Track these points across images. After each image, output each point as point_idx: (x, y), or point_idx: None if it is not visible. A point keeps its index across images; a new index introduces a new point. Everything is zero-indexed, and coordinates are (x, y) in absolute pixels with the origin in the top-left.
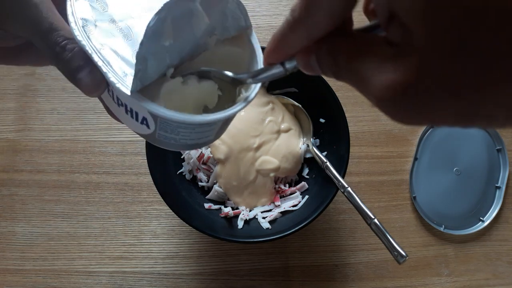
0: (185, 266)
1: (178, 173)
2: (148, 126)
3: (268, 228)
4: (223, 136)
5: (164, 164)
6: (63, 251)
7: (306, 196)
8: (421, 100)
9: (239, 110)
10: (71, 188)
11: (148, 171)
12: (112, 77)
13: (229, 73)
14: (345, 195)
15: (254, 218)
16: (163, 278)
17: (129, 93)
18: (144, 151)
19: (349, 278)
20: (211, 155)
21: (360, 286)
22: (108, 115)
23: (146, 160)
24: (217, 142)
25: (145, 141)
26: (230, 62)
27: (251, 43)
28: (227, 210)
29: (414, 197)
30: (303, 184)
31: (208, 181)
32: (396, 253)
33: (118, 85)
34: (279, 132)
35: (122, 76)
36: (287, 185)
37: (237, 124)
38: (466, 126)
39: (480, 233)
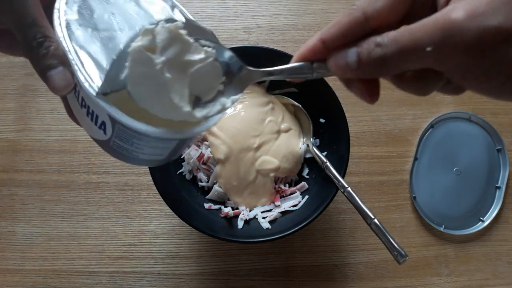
0: (185, 266)
1: (178, 173)
2: (105, 132)
3: (268, 228)
4: (223, 136)
5: (164, 164)
6: (63, 251)
7: (306, 196)
8: None
9: (200, 132)
10: (71, 188)
11: (148, 171)
12: (81, 76)
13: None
14: (345, 195)
15: (254, 218)
16: (163, 278)
17: (94, 94)
18: None
19: (349, 278)
20: (211, 155)
21: (360, 286)
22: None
23: None
24: (217, 142)
25: None
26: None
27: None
28: (227, 210)
29: (414, 197)
30: (303, 184)
31: (208, 181)
32: (396, 253)
33: (86, 84)
34: (279, 132)
35: (92, 78)
36: (287, 185)
37: (237, 124)
38: None
39: (480, 233)
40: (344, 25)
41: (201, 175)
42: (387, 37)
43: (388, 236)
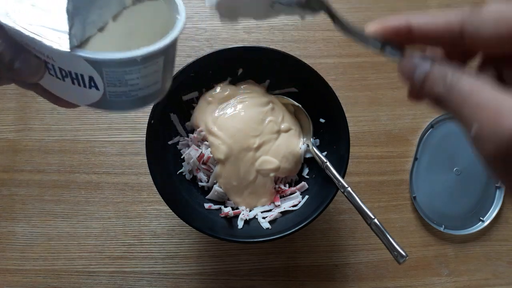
0: (185, 266)
1: (178, 173)
2: (97, 87)
3: (268, 228)
4: (223, 136)
5: (164, 164)
6: (63, 251)
7: (306, 196)
8: None
9: (179, 34)
10: (71, 188)
11: (148, 171)
12: (48, 42)
13: None
14: (345, 195)
15: (254, 218)
16: (163, 278)
17: (68, 50)
18: (144, 151)
19: (349, 278)
20: (211, 155)
21: (360, 286)
22: (73, 109)
23: (146, 160)
24: (217, 142)
25: (145, 141)
26: (153, 13)
27: None
28: (227, 210)
29: (414, 197)
30: (303, 184)
31: (208, 181)
32: (396, 253)
33: (56, 46)
34: (279, 132)
35: (57, 40)
36: (287, 185)
37: (237, 124)
38: None
39: (480, 233)
40: (437, 25)
41: (201, 175)
42: (461, 83)
43: (388, 236)
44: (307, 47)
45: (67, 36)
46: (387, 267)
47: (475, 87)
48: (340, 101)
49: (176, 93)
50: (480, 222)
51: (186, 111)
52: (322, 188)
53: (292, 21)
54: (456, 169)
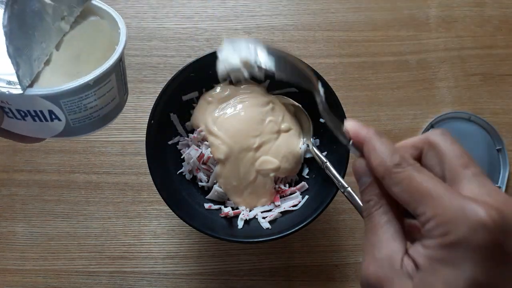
0: (185, 266)
1: (178, 173)
2: (59, 119)
3: (268, 228)
4: (223, 136)
5: (164, 164)
6: (63, 251)
7: (306, 196)
8: None
9: (123, 48)
10: (71, 188)
11: (148, 171)
12: (3, 89)
13: None
14: (345, 195)
15: (254, 218)
16: (163, 278)
17: (21, 92)
18: (144, 151)
19: (349, 278)
20: (211, 155)
21: (360, 286)
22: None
23: (146, 160)
24: (217, 142)
25: (145, 141)
26: (94, 33)
27: (101, 9)
28: (227, 210)
29: None
30: (303, 184)
31: (208, 181)
32: None
33: (9, 92)
34: (279, 132)
35: (7, 85)
36: (287, 185)
37: (237, 124)
38: None
39: None
40: (379, 159)
41: (201, 175)
42: (369, 219)
43: None
44: (307, 47)
45: (17, 79)
46: None
47: (374, 228)
48: (340, 101)
49: (176, 93)
50: None
51: (186, 111)
52: (322, 188)
53: (292, 21)
54: None
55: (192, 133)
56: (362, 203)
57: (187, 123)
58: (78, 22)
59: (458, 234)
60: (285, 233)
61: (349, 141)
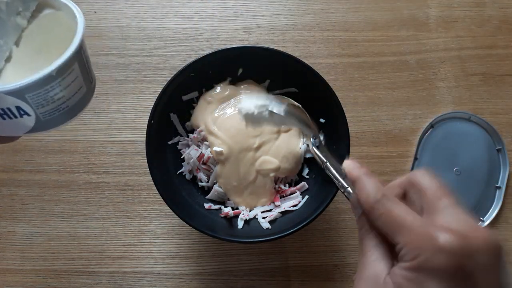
0: (185, 266)
1: (178, 173)
2: (28, 114)
3: (268, 228)
4: (223, 136)
5: (164, 164)
6: (63, 251)
7: (306, 196)
8: None
9: (82, 36)
10: (71, 188)
11: (148, 171)
12: None
13: None
14: (345, 195)
15: (254, 218)
16: (163, 278)
17: None
18: (144, 151)
19: (349, 278)
20: (211, 155)
21: None
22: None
23: (146, 160)
24: (217, 142)
25: (145, 141)
26: (52, 26)
27: (57, 0)
28: (227, 210)
29: None
30: (303, 184)
31: (208, 181)
32: None
33: None
34: (279, 132)
35: None
36: (287, 185)
37: (237, 124)
38: None
39: None
40: (367, 196)
41: (201, 175)
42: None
43: None
44: (307, 47)
45: None
46: None
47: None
48: (340, 101)
49: (176, 93)
50: (480, 222)
51: (186, 111)
52: (322, 188)
53: (292, 21)
54: (456, 169)
55: (192, 133)
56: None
57: (187, 123)
58: (35, 17)
59: (423, 258)
60: (285, 233)
61: (344, 187)
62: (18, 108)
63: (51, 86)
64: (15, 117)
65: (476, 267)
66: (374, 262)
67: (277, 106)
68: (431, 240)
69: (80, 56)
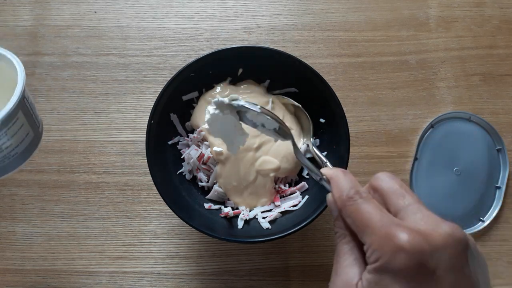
0: (185, 266)
1: (178, 173)
2: None
3: (268, 228)
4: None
5: (164, 164)
6: (63, 251)
7: (306, 196)
8: None
9: (23, 86)
10: (71, 188)
11: (148, 171)
12: None
13: None
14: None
15: (254, 218)
16: (163, 278)
17: None
18: (144, 151)
19: None
20: (211, 155)
21: None
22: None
23: (146, 160)
24: (216, 142)
25: (145, 141)
26: None
27: None
28: (227, 210)
29: None
30: (303, 184)
31: (208, 181)
32: None
33: None
34: None
35: None
36: (287, 185)
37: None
38: None
39: (480, 233)
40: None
41: (201, 175)
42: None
43: None
44: (307, 47)
45: None
46: None
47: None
48: (340, 101)
49: (176, 93)
50: (480, 222)
51: (186, 111)
52: (322, 188)
53: (292, 21)
54: (456, 169)
55: (192, 133)
56: None
57: (187, 123)
58: None
59: (384, 260)
60: (285, 233)
61: (321, 178)
62: None
63: (0, 137)
64: None
65: (438, 264)
66: (347, 268)
67: (252, 104)
68: (391, 240)
69: (23, 104)
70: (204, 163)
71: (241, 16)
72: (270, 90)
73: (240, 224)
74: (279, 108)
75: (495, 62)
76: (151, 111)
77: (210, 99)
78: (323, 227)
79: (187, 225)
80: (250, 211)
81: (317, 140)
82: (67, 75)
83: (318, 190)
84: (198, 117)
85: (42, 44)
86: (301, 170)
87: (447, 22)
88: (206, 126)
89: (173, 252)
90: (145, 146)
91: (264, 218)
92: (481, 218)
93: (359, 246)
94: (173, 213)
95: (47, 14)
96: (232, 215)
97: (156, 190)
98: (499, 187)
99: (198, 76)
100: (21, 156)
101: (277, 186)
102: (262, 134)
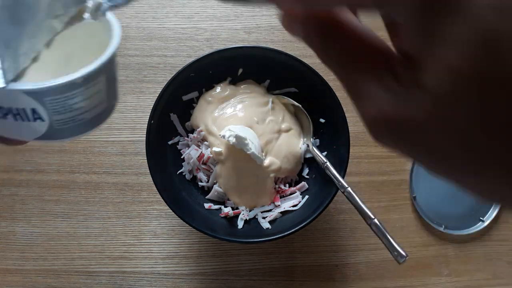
0: (185, 266)
1: (178, 173)
2: (42, 118)
3: (268, 228)
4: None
5: (164, 164)
6: (63, 251)
7: (306, 196)
8: (418, 142)
9: (115, 50)
10: (71, 188)
11: (148, 171)
12: None
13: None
14: (345, 195)
15: (254, 218)
16: (163, 278)
17: (4, 85)
18: (144, 151)
19: (349, 278)
20: (211, 155)
21: (360, 286)
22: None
23: (146, 160)
24: (216, 142)
25: (145, 141)
26: (87, 36)
27: (99, 13)
28: (227, 210)
29: (414, 197)
30: (303, 184)
31: (208, 181)
32: (396, 253)
33: None
34: (279, 131)
35: None
36: (287, 185)
37: (236, 124)
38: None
39: (480, 233)
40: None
41: (201, 175)
42: None
43: (388, 236)
44: (307, 47)
45: (0, 72)
46: (387, 267)
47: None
48: (340, 101)
49: (176, 93)
50: (480, 222)
51: (186, 111)
52: (322, 188)
53: None
54: None
55: (192, 133)
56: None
57: (187, 123)
58: (71, 23)
59: None
60: (285, 233)
61: None
62: (33, 110)
63: (73, 94)
64: (28, 119)
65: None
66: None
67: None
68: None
69: (109, 68)
70: (204, 163)
71: (241, 16)
72: (270, 90)
73: (240, 224)
74: (279, 108)
75: None
76: (151, 111)
77: (210, 99)
78: (323, 227)
79: (187, 225)
80: (250, 211)
81: (317, 140)
82: None
83: (318, 190)
84: (198, 117)
85: None
86: (301, 170)
87: None
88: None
89: (173, 252)
90: (145, 146)
91: (264, 218)
92: (481, 218)
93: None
94: (173, 213)
95: None
96: (232, 215)
97: (156, 190)
98: None
99: (198, 76)
100: (86, 123)
101: (277, 186)
102: (264, 134)
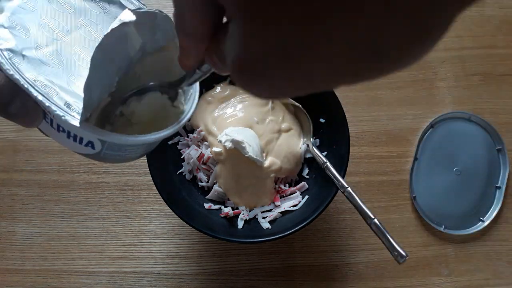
0: (185, 266)
1: (178, 173)
2: (93, 147)
3: (268, 228)
4: None
5: (164, 164)
6: (63, 251)
7: (306, 196)
8: (256, 71)
9: (184, 123)
10: (71, 188)
11: (148, 171)
12: (57, 111)
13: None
14: (345, 195)
15: (254, 218)
16: (163, 278)
17: (78, 125)
18: None
19: (349, 278)
20: (211, 155)
21: (360, 286)
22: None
23: (146, 160)
24: (216, 142)
25: None
26: (163, 68)
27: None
28: (227, 210)
29: (414, 197)
30: (303, 184)
31: (208, 181)
32: (396, 253)
33: (65, 117)
34: (279, 131)
35: (64, 107)
36: (287, 185)
37: (236, 124)
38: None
39: (480, 233)
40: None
41: (201, 175)
42: None
43: (388, 236)
44: None
45: (78, 110)
46: (387, 267)
47: None
48: (340, 101)
49: None
50: (480, 222)
51: None
52: (322, 188)
53: None
54: (456, 169)
55: (192, 133)
56: None
57: (187, 123)
58: (151, 55)
59: None
60: (285, 233)
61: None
62: (89, 142)
63: (137, 148)
64: (80, 143)
65: None
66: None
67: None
68: None
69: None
70: (204, 163)
71: None
72: None
73: (240, 224)
74: (279, 108)
75: (495, 62)
76: None
77: (210, 99)
78: (323, 227)
79: (187, 225)
80: (250, 211)
81: (317, 140)
82: None
83: (318, 190)
84: (198, 117)
85: None
86: (301, 170)
87: None
88: (205, 126)
89: (173, 252)
90: None
91: (264, 218)
92: (481, 218)
93: None
94: (173, 213)
95: None
96: (232, 215)
97: (156, 190)
98: (499, 187)
99: None
100: (128, 159)
101: (277, 186)
102: (263, 135)
